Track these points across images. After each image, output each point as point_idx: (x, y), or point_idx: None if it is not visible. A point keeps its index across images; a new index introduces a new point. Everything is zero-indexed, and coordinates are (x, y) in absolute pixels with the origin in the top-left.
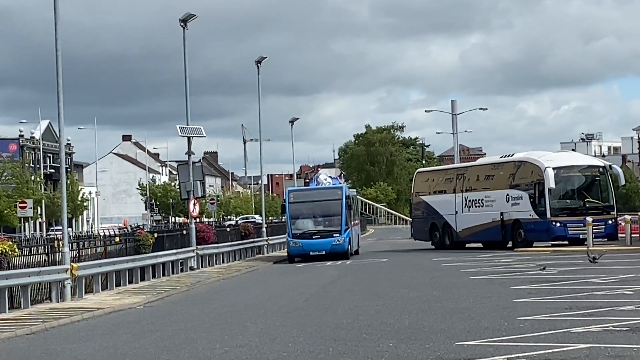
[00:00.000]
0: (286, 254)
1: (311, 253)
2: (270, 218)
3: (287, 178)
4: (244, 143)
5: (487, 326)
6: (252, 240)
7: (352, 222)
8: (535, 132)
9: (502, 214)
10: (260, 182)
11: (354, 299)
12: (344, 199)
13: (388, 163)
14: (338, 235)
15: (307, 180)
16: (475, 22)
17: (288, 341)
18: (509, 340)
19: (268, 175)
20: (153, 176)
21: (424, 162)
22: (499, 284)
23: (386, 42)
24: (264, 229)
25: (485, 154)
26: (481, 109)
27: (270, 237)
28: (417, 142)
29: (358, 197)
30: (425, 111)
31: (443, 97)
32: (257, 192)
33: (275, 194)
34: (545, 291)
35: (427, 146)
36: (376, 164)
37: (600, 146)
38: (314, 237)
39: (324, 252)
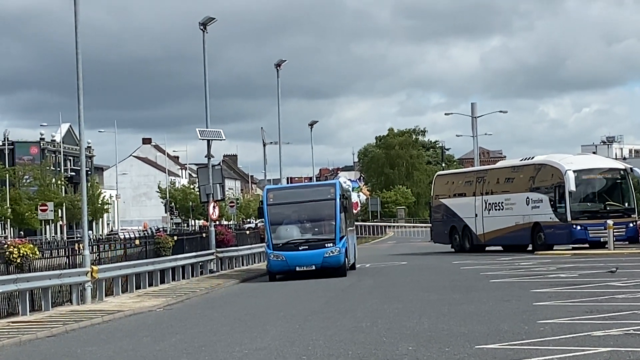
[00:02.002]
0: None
1: (297, 269)
2: None
3: (306, 180)
4: (264, 146)
5: (507, 329)
6: None
7: (347, 228)
8: (555, 135)
9: (523, 217)
10: (279, 184)
11: (373, 302)
12: (338, 199)
13: (408, 166)
14: (332, 245)
15: None
16: (496, 24)
17: (307, 344)
18: (529, 343)
19: (287, 178)
20: (173, 179)
21: (443, 165)
22: (519, 287)
23: (407, 45)
24: None
25: (505, 157)
26: (501, 111)
27: None
28: (437, 145)
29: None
30: (445, 114)
31: (463, 100)
32: None
33: None
34: (566, 294)
35: (447, 149)
36: (396, 167)
37: (622, 149)
38: (300, 248)
39: (313, 267)
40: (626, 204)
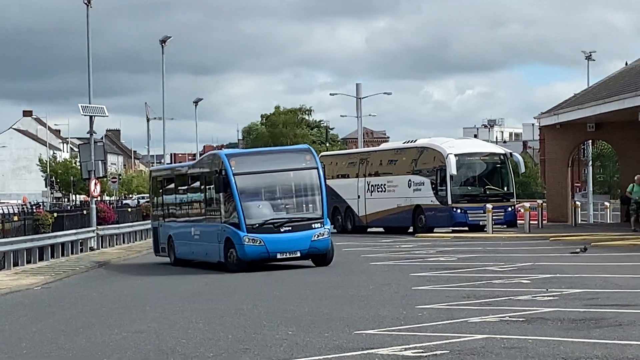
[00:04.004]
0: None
1: (279, 256)
2: None
3: (190, 158)
4: (148, 121)
5: (386, 315)
6: None
7: None
8: (439, 117)
9: (404, 199)
10: (163, 161)
11: (254, 284)
12: (320, 167)
13: (292, 145)
14: (319, 225)
15: None
16: (383, 6)
17: (187, 327)
18: (407, 329)
19: (171, 154)
20: (54, 153)
21: (327, 144)
22: (399, 270)
23: (294, 23)
24: None
25: (389, 137)
26: (385, 93)
27: None
28: (322, 125)
29: None
30: (330, 94)
31: (350, 80)
32: None
33: None
34: (444, 279)
35: (332, 129)
36: (280, 146)
37: (502, 132)
38: (282, 229)
39: (298, 254)
40: (505, 189)
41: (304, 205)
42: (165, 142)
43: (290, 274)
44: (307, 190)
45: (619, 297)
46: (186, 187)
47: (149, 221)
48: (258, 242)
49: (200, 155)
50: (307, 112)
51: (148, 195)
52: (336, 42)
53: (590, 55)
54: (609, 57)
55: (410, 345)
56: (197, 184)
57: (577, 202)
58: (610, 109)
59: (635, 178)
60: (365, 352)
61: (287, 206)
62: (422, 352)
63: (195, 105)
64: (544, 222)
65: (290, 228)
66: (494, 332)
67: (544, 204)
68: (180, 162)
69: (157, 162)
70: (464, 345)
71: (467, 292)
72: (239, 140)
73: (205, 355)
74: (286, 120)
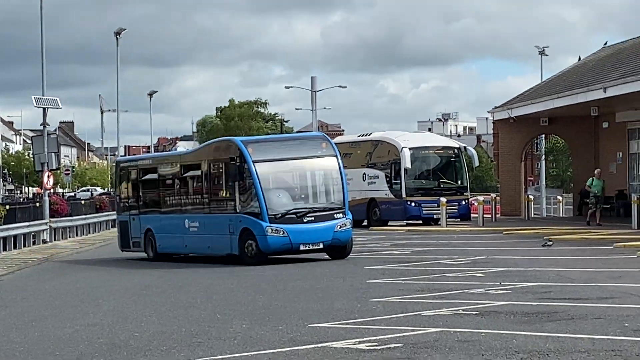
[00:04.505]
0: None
1: (302, 247)
2: None
3: (144, 150)
4: (102, 113)
5: (340, 308)
6: (107, 213)
7: None
8: (394, 110)
9: (359, 192)
10: (117, 153)
11: (208, 277)
12: (339, 156)
13: None
14: (342, 215)
15: None
16: None
17: (141, 320)
18: (361, 322)
19: (125, 146)
20: (6, 145)
21: None
22: (354, 263)
23: (250, 17)
24: None
25: (344, 130)
26: (340, 86)
27: None
28: (277, 118)
29: None
30: (285, 87)
31: (305, 73)
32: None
33: None
34: (399, 272)
35: (287, 122)
36: None
37: (456, 126)
38: (306, 219)
39: (321, 245)
40: (459, 182)
41: (325, 195)
42: (120, 135)
43: (244, 267)
44: (327, 178)
45: (571, 291)
46: (177, 176)
47: (104, 213)
48: (281, 232)
49: (155, 147)
50: (262, 105)
51: (101, 187)
52: (291, 36)
53: (544, 50)
54: (562, 52)
55: (365, 339)
56: (197, 172)
57: (530, 196)
58: (563, 104)
59: (595, 172)
60: (319, 345)
61: (308, 195)
62: (376, 345)
63: (150, 98)
64: (498, 215)
65: (313, 218)
66: (448, 326)
67: (497, 197)
68: (134, 154)
69: (111, 155)
70: (417, 339)
71: (421, 286)
72: (193, 132)
73: (159, 349)
74: (241, 113)
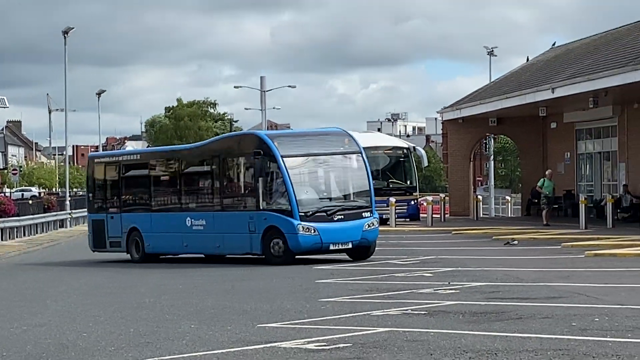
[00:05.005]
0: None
1: (332, 247)
2: (74, 190)
3: (93, 150)
4: (49, 113)
5: (289, 308)
6: (54, 213)
7: None
8: (343, 110)
9: None
10: (65, 152)
11: (156, 277)
12: (362, 151)
13: (196, 138)
14: (369, 214)
15: None
16: None
17: (89, 321)
18: (310, 322)
19: (73, 146)
20: None
21: None
22: (303, 263)
23: (199, 16)
24: (68, 202)
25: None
26: (290, 86)
27: (73, 211)
28: (226, 118)
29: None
30: (235, 87)
31: (255, 73)
32: (62, 163)
33: (80, 165)
34: (347, 272)
35: (236, 122)
36: (184, 139)
37: (405, 126)
38: (335, 218)
39: (350, 245)
40: (408, 182)
41: (353, 193)
42: (68, 134)
43: (194, 267)
44: (355, 175)
45: (519, 291)
46: (177, 172)
47: (52, 214)
48: (312, 231)
49: (104, 147)
50: (211, 105)
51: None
52: (241, 35)
53: (493, 51)
54: (511, 53)
55: (313, 339)
56: (203, 168)
57: (479, 196)
58: (511, 104)
59: (547, 173)
60: (268, 345)
61: (337, 193)
62: (325, 345)
63: (99, 97)
64: (447, 215)
65: (342, 217)
66: (397, 325)
67: (446, 197)
68: (82, 154)
69: (59, 154)
70: (366, 339)
71: (369, 286)
72: (142, 132)
73: (107, 349)
74: (190, 113)
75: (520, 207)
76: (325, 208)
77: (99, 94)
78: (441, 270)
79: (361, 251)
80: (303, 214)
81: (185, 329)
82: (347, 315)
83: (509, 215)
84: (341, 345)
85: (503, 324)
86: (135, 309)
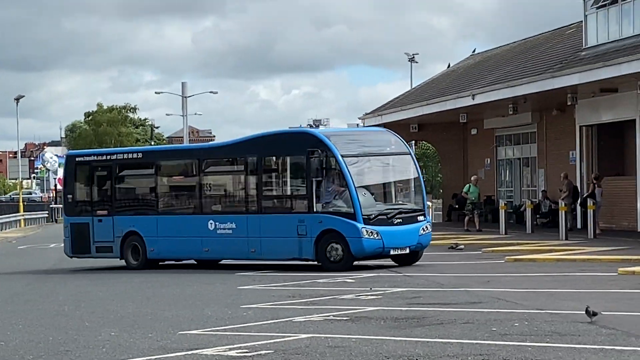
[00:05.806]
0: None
1: (392, 252)
2: None
3: (11, 156)
4: None
5: (210, 314)
6: None
7: None
8: (265, 116)
9: None
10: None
11: (76, 285)
12: (413, 153)
13: (116, 144)
14: (424, 218)
15: (32, 159)
16: (209, 5)
17: (7, 329)
18: (232, 329)
19: None
20: None
21: (152, 143)
22: (224, 269)
23: (119, 22)
24: None
25: (215, 136)
26: (211, 92)
27: None
28: (147, 123)
29: None
30: (156, 92)
31: (176, 79)
32: None
33: None
34: (269, 278)
35: (157, 127)
36: (104, 144)
37: None
38: (395, 221)
39: (407, 250)
40: None
41: (408, 195)
42: None
43: (115, 274)
44: (409, 177)
45: (440, 296)
46: (196, 172)
47: None
48: (375, 235)
49: (22, 153)
50: (131, 110)
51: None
52: (162, 41)
53: (414, 57)
54: (432, 60)
55: (235, 345)
56: (235, 167)
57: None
58: (432, 111)
59: (472, 178)
60: (189, 352)
61: (394, 195)
62: (247, 352)
63: (17, 102)
64: None
65: (401, 220)
66: (318, 332)
67: None
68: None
69: None
70: (288, 345)
71: (291, 292)
72: (62, 138)
73: (25, 358)
74: (110, 118)
75: (441, 212)
76: (386, 211)
77: (17, 99)
78: (363, 276)
79: (410, 256)
80: (366, 216)
81: (105, 337)
82: (269, 321)
83: (431, 221)
84: (263, 351)
85: (424, 330)
86: (54, 317)
